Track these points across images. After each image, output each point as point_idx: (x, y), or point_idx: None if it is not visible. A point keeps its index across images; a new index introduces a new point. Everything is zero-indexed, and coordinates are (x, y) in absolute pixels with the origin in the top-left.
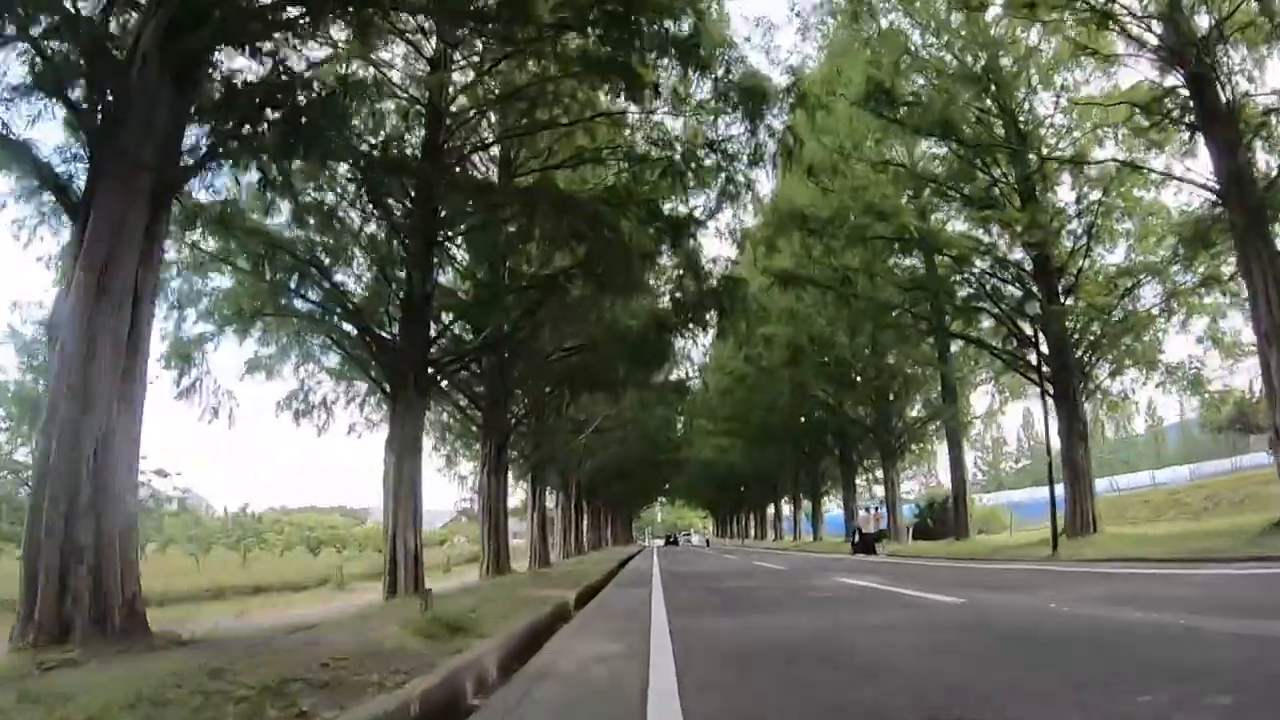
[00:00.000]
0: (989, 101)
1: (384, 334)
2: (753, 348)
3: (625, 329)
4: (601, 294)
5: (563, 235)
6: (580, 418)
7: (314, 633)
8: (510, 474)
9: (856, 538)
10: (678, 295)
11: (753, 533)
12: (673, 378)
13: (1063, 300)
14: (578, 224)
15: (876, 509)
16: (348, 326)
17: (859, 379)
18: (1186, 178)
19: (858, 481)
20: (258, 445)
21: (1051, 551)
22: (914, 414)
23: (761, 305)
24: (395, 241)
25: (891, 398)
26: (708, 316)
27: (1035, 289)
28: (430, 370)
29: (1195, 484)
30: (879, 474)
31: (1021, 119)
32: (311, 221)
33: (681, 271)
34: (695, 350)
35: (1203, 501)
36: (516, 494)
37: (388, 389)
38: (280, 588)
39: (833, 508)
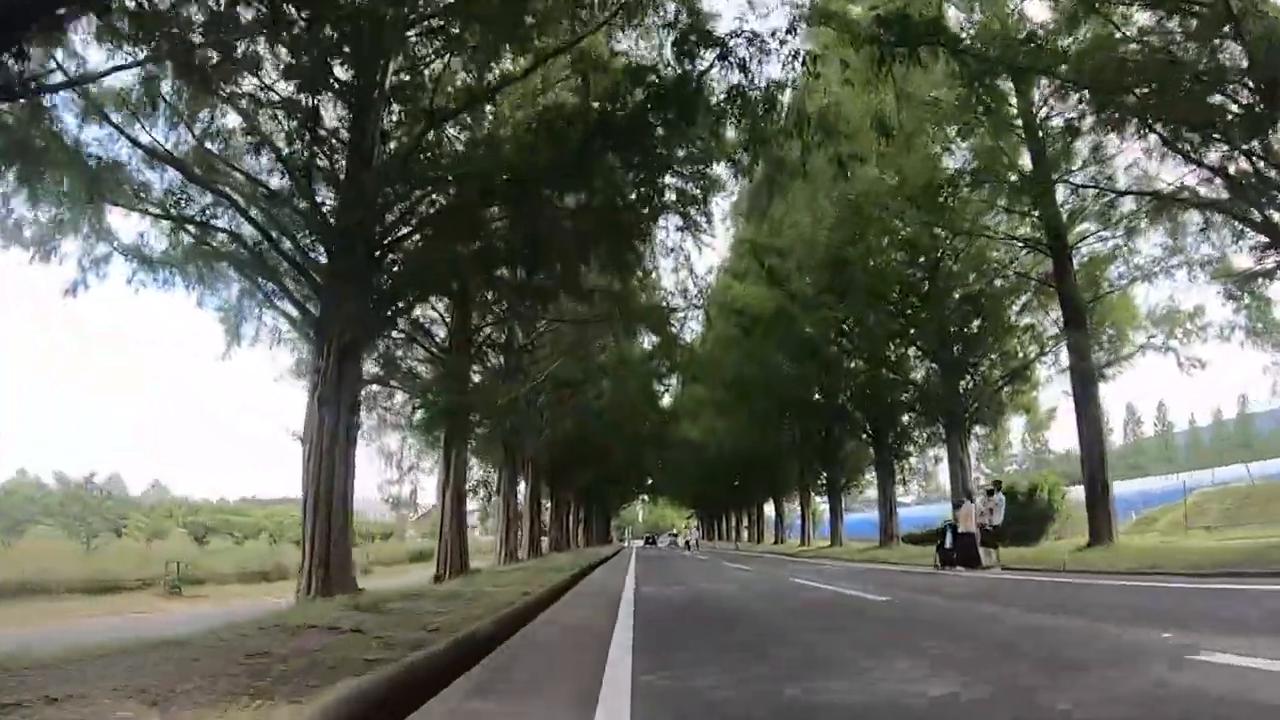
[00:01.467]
0: None
1: None
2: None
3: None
4: None
5: None
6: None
7: None
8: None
9: (948, 540)
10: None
11: (745, 535)
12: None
13: None
14: None
15: (992, 492)
16: None
17: (916, 303)
18: None
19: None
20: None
21: None
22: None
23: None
24: None
25: (957, 345)
26: None
27: None
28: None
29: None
30: (924, 457)
31: None
32: None
33: None
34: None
35: None
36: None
37: None
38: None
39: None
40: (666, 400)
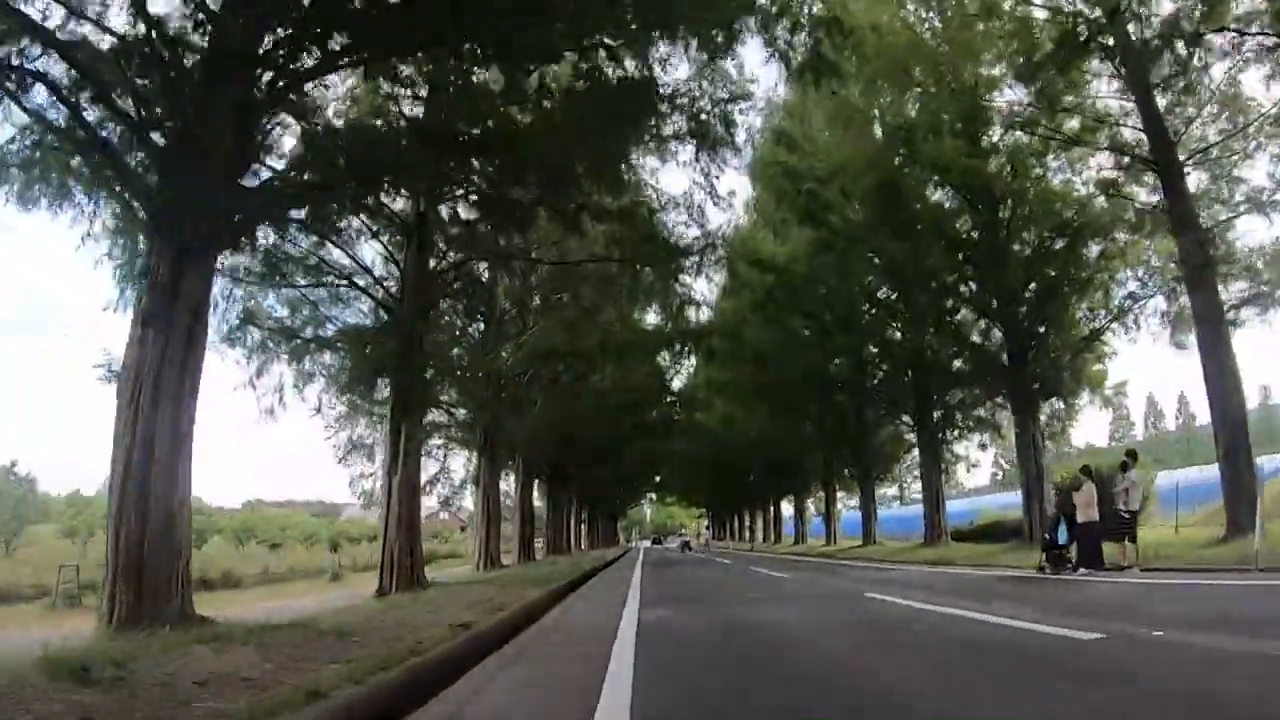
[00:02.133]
0: None
1: None
2: None
3: None
4: None
5: None
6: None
7: None
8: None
9: (1062, 534)
10: None
11: (760, 535)
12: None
13: None
14: None
15: (1127, 466)
16: None
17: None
18: None
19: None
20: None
21: None
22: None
23: None
24: None
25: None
26: None
27: None
28: None
29: None
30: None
31: None
32: None
33: None
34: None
35: None
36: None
37: None
38: None
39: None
40: (679, 384)
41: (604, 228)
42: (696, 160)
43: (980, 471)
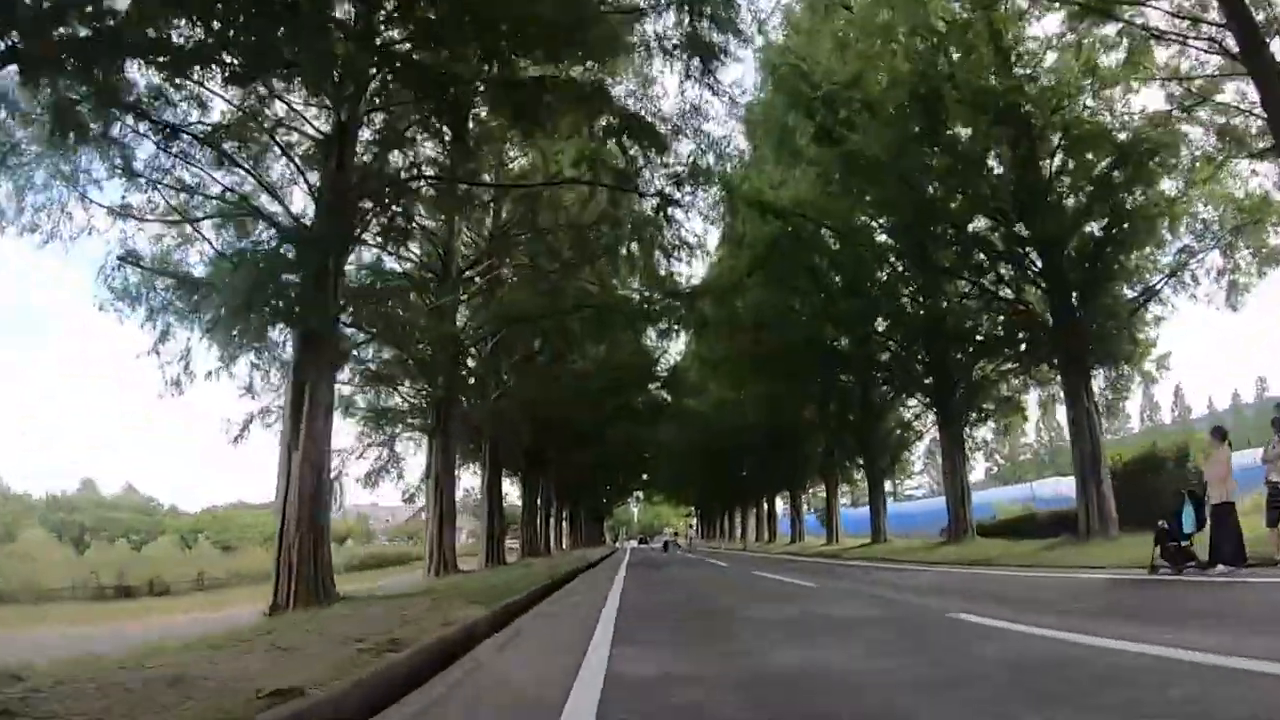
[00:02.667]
0: None
1: None
2: None
3: None
4: None
5: None
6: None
7: None
8: None
9: (1188, 522)
10: None
11: (752, 533)
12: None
13: None
14: None
15: None
16: None
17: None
18: None
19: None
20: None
21: None
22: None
23: None
24: None
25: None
26: None
27: None
28: None
29: None
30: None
31: None
32: None
33: None
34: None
35: None
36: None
37: None
38: None
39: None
40: (668, 365)
41: (573, 138)
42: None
43: (974, 467)
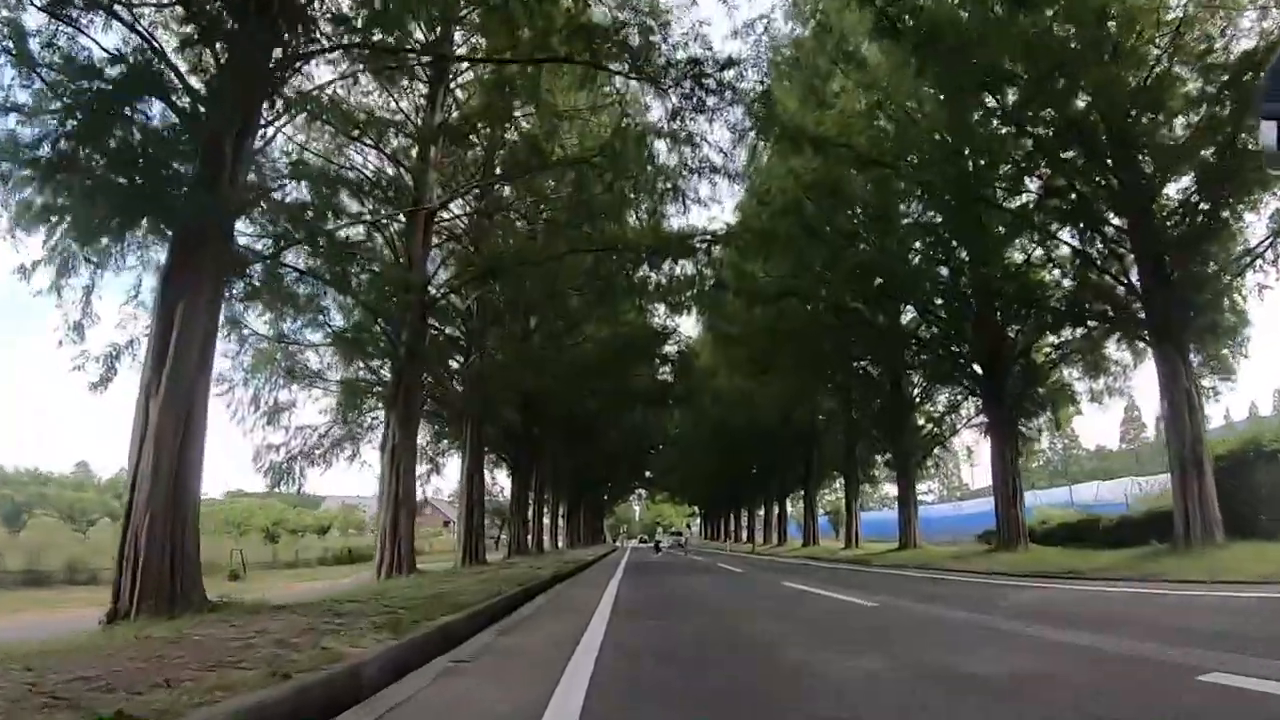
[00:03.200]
0: None
1: None
2: None
3: None
4: None
5: None
6: None
7: None
8: None
9: None
10: None
11: (760, 535)
12: None
13: None
14: None
15: None
16: None
17: None
18: None
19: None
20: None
21: None
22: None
23: None
24: None
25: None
26: None
27: None
28: None
29: None
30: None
31: None
32: None
33: None
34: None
35: None
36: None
37: None
38: None
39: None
40: (675, 348)
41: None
42: None
43: (980, 470)
